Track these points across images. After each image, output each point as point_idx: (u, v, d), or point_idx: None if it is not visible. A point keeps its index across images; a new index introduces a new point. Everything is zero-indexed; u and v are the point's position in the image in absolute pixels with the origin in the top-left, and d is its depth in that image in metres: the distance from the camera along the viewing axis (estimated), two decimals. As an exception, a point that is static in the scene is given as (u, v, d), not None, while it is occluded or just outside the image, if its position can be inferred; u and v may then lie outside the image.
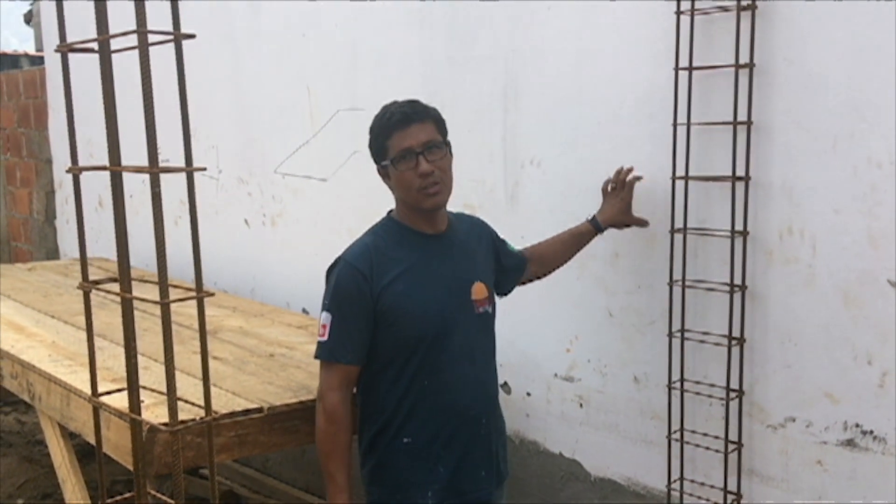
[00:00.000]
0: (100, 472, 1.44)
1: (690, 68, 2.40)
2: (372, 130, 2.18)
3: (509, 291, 2.56)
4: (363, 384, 2.26)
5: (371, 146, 2.19)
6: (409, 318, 2.14)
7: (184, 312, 3.35)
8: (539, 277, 2.62)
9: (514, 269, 2.51)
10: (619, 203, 2.55)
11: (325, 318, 2.15)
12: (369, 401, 2.25)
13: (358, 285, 2.13)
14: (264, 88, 4.13)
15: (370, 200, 3.43)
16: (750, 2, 2.26)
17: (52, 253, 6.42)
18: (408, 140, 2.09)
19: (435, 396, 2.18)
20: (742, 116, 2.31)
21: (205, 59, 4.28)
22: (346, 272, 2.15)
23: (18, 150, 6.75)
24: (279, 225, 4.16)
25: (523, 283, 2.60)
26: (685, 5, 2.37)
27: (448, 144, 2.19)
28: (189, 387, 2.43)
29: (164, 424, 1.25)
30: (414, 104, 2.15)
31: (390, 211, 2.28)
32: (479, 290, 2.25)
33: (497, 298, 2.42)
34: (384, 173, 2.19)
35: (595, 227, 2.58)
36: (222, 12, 4.28)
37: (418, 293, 2.15)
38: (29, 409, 5.14)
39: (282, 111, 4.03)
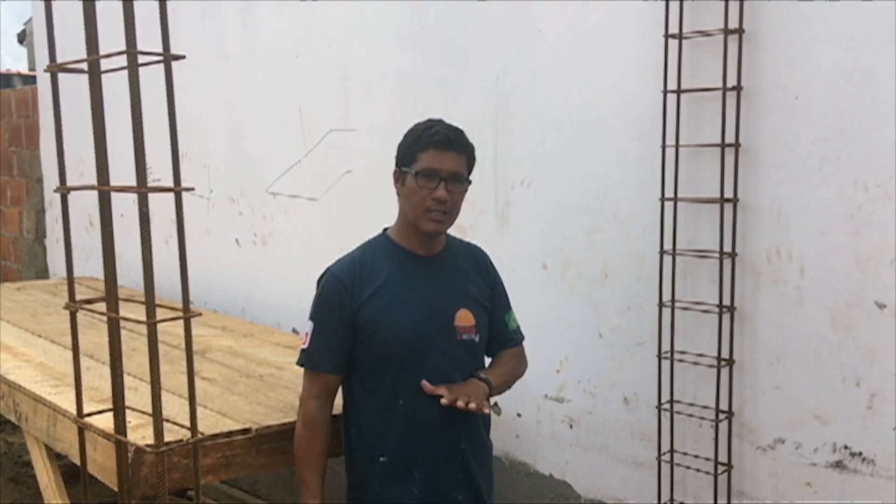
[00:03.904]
0: (84, 493, 1.43)
1: (679, 91, 2.42)
2: (409, 135, 2.17)
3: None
4: (346, 399, 2.28)
5: (401, 147, 2.18)
6: (383, 334, 2.16)
7: (172, 332, 3.32)
8: None
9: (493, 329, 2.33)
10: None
11: (308, 326, 2.22)
12: (350, 416, 2.27)
13: (339, 296, 2.17)
14: (257, 108, 4.14)
15: (361, 220, 3.43)
16: (737, 26, 2.28)
17: (42, 272, 6.39)
18: (439, 162, 2.10)
19: (409, 416, 2.18)
20: (730, 139, 2.33)
21: (197, 78, 4.30)
22: (330, 283, 2.20)
23: (9, 168, 6.74)
24: (270, 244, 4.16)
25: None
26: (674, 29, 2.40)
27: (469, 182, 2.20)
28: (177, 407, 2.41)
29: (150, 446, 1.24)
30: (459, 133, 2.17)
31: (386, 228, 2.29)
32: (464, 316, 2.23)
33: None
34: (400, 178, 2.18)
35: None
36: (215, 32, 4.30)
37: (395, 310, 2.16)
38: (16, 429, 5.09)
39: (274, 131, 4.04)
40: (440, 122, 2.18)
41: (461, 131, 2.17)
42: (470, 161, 2.19)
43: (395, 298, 2.17)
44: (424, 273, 2.22)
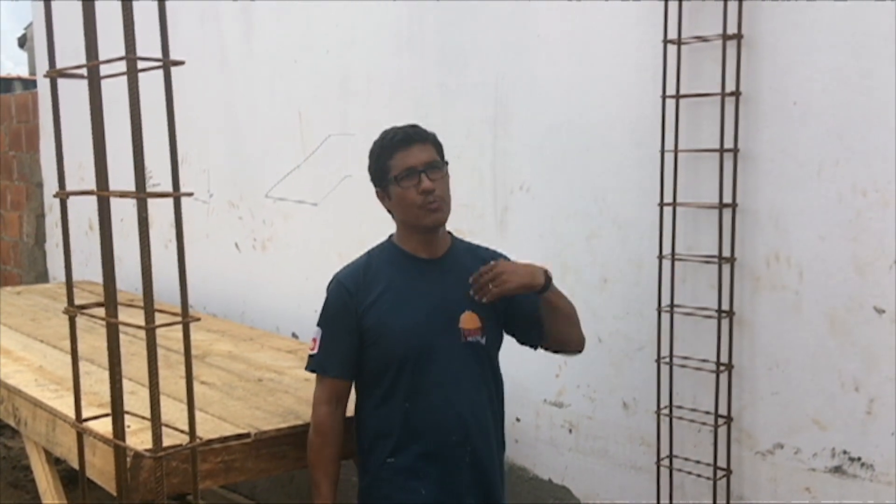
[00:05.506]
0: (83, 498, 1.43)
1: (678, 96, 2.42)
2: (372, 153, 2.21)
3: (535, 342, 2.34)
4: (356, 403, 2.29)
5: (371, 168, 2.21)
6: (387, 338, 2.17)
7: (172, 336, 3.30)
8: (554, 344, 2.35)
9: (529, 313, 2.27)
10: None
11: (316, 332, 2.25)
12: (360, 419, 2.28)
13: (344, 302, 2.20)
14: (256, 113, 4.15)
15: (360, 225, 3.44)
16: (736, 31, 2.29)
17: (42, 276, 6.39)
18: (410, 159, 2.13)
19: (416, 419, 2.18)
20: (728, 144, 2.34)
21: (197, 83, 4.30)
22: (335, 289, 2.24)
23: (9, 173, 6.75)
24: (269, 249, 4.16)
25: (550, 349, 2.37)
26: (672, 34, 2.40)
27: (447, 165, 2.22)
28: (176, 412, 2.41)
29: (148, 450, 1.24)
30: (415, 127, 2.20)
31: (391, 235, 2.30)
32: (469, 319, 2.22)
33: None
34: (384, 195, 2.20)
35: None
36: (215, 37, 4.30)
37: (398, 314, 2.17)
38: (15, 434, 5.08)
39: (273, 136, 4.04)
40: (393, 127, 2.21)
41: (416, 125, 2.21)
42: (437, 148, 2.21)
43: (398, 302, 2.19)
44: (428, 276, 2.22)
